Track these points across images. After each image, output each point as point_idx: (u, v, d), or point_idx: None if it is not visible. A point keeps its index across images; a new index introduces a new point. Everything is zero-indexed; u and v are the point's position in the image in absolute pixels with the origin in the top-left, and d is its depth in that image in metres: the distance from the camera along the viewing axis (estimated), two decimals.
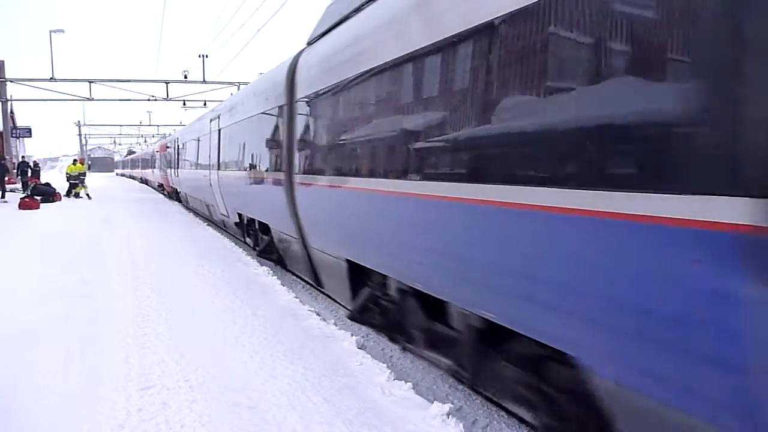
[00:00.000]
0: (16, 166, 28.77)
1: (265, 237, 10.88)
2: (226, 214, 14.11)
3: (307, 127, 7.75)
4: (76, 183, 28.02)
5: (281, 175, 8.42)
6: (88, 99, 31.05)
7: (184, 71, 32.66)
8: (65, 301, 7.37)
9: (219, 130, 14.05)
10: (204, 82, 32.37)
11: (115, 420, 4.16)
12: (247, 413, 4.30)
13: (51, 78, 29.29)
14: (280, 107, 8.68)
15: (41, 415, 4.22)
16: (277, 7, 18.39)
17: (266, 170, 9.65)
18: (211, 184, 14.88)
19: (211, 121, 15.48)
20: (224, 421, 4.16)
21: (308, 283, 9.29)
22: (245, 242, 13.09)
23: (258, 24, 55.91)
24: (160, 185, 35.20)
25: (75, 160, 31.41)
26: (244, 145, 11.62)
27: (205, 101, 34.33)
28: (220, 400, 4.52)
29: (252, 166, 10.85)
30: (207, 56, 32.54)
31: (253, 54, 40.98)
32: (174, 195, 27.85)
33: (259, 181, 10.21)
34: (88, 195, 27.47)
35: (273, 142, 9.36)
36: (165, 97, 32.56)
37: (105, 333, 6.15)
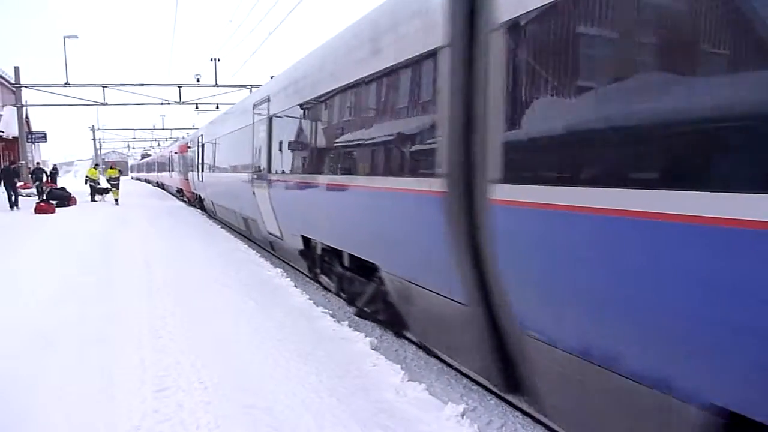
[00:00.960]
0: (31, 171, 28.61)
1: (364, 282, 6.76)
2: (278, 234, 10.02)
3: (566, 79, 3.29)
4: (104, 188, 28.16)
5: (430, 184, 4.41)
6: (102, 104, 31.41)
7: (197, 75, 32.83)
8: (81, 303, 7.44)
9: (269, 119, 10.01)
10: (216, 85, 32.49)
11: (130, 421, 4.18)
12: (262, 414, 4.31)
13: (65, 83, 29.60)
14: (428, 56, 4.48)
15: (58, 416, 4.25)
16: (288, 11, 18.40)
17: (380, 174, 5.59)
18: (254, 193, 10.94)
19: (254, 107, 11.33)
20: (239, 423, 4.17)
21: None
22: (317, 281, 9.18)
23: (269, 27, 56.15)
24: (179, 191, 31.76)
25: (96, 165, 31.59)
26: (321, 135, 7.49)
27: (217, 104, 34.50)
28: (234, 401, 4.53)
29: (341, 168, 6.72)
30: (219, 60, 32.65)
31: (264, 57, 41.18)
32: (196, 202, 24.63)
33: (361, 191, 5.99)
34: (116, 200, 26.91)
35: (404, 125, 5.16)
36: (178, 100, 32.81)
37: (120, 335, 6.19)
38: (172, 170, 34.14)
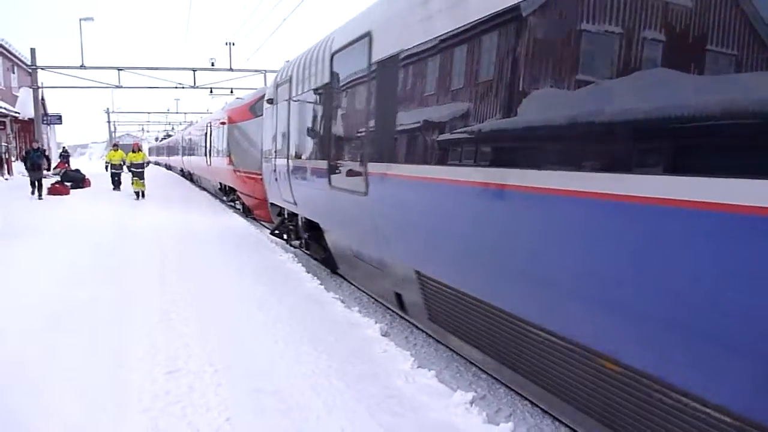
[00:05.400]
0: (23, 156, 21.70)
1: None
2: None
3: None
4: (128, 175, 22.26)
5: None
6: (117, 86, 31.46)
7: (211, 59, 32.87)
8: (93, 285, 7.49)
9: None
10: (231, 69, 32.46)
11: (141, 403, 4.22)
12: (271, 398, 4.33)
13: (81, 65, 29.69)
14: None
15: (69, 397, 4.29)
16: None
17: None
18: None
19: None
20: (248, 406, 4.20)
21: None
22: None
23: (284, 12, 55.85)
24: (227, 190, 20.66)
25: (115, 145, 26.38)
26: None
27: (231, 89, 34.52)
28: (244, 384, 4.55)
29: None
30: (234, 44, 32.69)
31: (279, 42, 41.05)
32: (291, 233, 11.11)
33: None
34: (142, 193, 21.21)
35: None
36: (192, 84, 32.80)
37: (132, 317, 6.24)
38: (211, 154, 22.26)
